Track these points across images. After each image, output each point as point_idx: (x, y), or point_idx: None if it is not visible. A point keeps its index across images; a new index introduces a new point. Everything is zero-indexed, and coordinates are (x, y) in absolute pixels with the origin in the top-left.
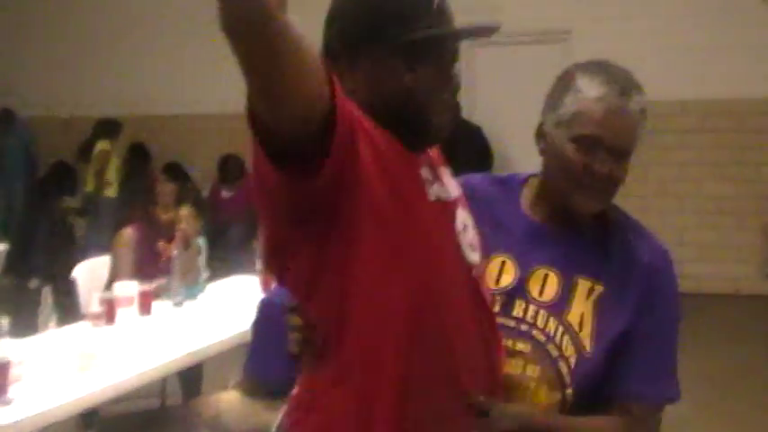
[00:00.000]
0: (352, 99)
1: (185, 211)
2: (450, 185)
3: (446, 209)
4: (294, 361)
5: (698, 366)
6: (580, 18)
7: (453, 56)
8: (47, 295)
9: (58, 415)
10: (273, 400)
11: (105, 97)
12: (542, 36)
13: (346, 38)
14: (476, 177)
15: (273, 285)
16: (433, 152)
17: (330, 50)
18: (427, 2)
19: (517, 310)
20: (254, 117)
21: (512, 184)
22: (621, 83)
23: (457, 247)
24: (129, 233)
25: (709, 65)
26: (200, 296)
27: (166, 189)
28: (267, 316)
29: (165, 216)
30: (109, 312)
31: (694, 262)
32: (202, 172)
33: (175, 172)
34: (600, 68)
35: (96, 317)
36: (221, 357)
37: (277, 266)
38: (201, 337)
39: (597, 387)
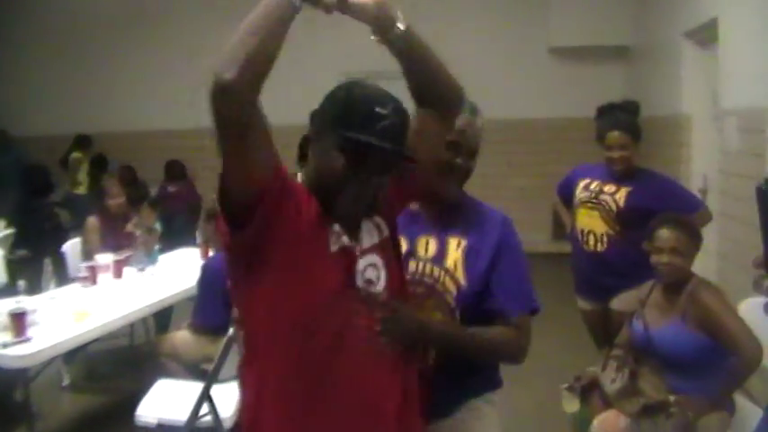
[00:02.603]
0: (311, 165)
1: (146, 208)
2: (369, 235)
3: (347, 255)
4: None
5: None
6: None
7: (382, 166)
8: (48, 265)
9: (62, 348)
10: (215, 337)
11: (78, 118)
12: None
13: (317, 122)
14: None
15: (211, 254)
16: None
17: (312, 125)
18: (375, 119)
19: (412, 267)
20: (222, 193)
21: None
22: (471, 107)
23: (352, 284)
24: (92, 221)
25: (512, 95)
26: (156, 264)
27: (110, 184)
28: (207, 276)
29: (112, 202)
30: (92, 276)
31: None
32: (151, 174)
33: (129, 172)
34: None
35: (84, 279)
36: (182, 305)
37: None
38: (159, 292)
39: (475, 308)
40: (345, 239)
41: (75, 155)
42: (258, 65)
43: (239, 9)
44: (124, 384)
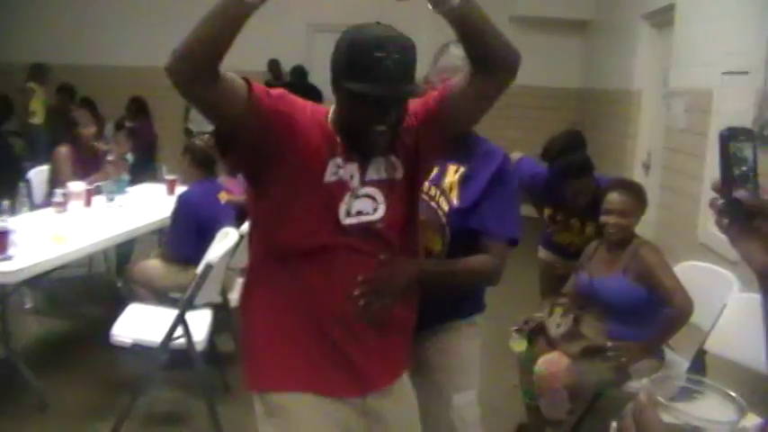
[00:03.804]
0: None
1: (121, 136)
2: (377, 171)
3: (338, 187)
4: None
5: None
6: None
7: (390, 102)
8: (23, 189)
9: (41, 269)
10: (186, 266)
11: (39, 47)
12: None
13: (334, 72)
14: None
15: (185, 187)
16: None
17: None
18: (374, 65)
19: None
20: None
21: None
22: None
23: (333, 213)
24: (63, 150)
25: None
26: (125, 194)
27: (82, 112)
28: (183, 208)
29: (85, 131)
30: (65, 202)
31: None
32: (111, 111)
33: (88, 103)
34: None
35: (59, 205)
36: (144, 237)
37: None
38: (129, 222)
39: (461, 226)
40: (342, 172)
41: (29, 85)
42: (197, 58)
43: None
44: (84, 311)
